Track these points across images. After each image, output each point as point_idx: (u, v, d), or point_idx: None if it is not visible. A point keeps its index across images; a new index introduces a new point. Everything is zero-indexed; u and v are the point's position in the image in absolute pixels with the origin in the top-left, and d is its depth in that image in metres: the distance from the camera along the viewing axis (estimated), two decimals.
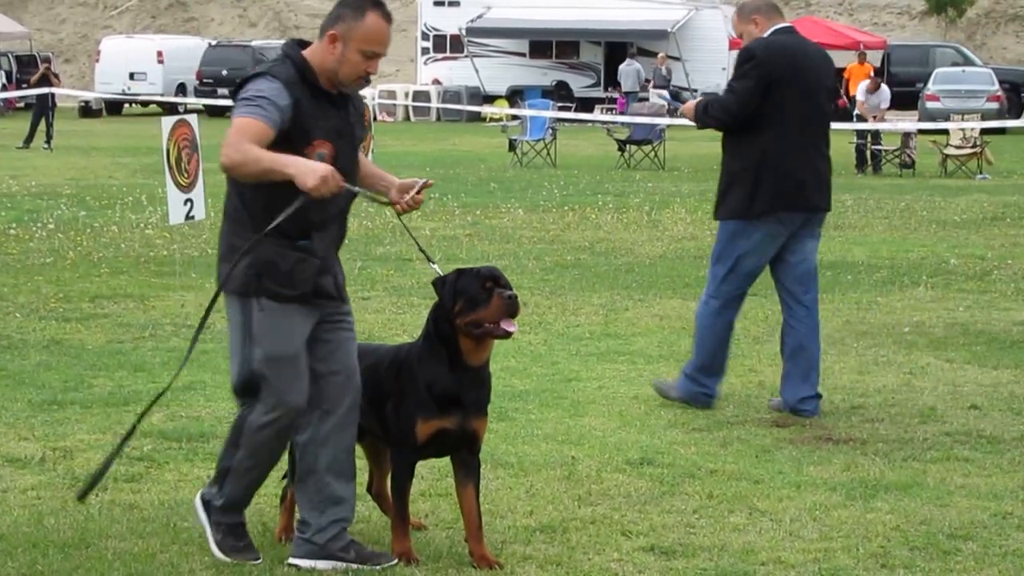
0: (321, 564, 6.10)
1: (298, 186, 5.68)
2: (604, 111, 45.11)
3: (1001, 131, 37.70)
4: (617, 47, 49.74)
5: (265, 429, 6.05)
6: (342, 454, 6.14)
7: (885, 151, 30.60)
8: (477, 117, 45.64)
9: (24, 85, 45.64)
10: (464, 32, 49.55)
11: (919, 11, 62.24)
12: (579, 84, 50.44)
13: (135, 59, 52.06)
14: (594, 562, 6.28)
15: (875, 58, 44.67)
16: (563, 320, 12.34)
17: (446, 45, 50.70)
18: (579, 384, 9.83)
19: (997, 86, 43.53)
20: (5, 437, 8.29)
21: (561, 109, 39.63)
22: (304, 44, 6.09)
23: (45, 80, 36.44)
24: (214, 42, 55.16)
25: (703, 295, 9.31)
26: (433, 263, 6.36)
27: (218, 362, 10.23)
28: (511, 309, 6.03)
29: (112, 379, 9.85)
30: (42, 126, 35.43)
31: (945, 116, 35.69)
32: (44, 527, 6.65)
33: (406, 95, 49.00)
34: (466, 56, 49.99)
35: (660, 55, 47.25)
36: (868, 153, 30.38)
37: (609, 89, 48.67)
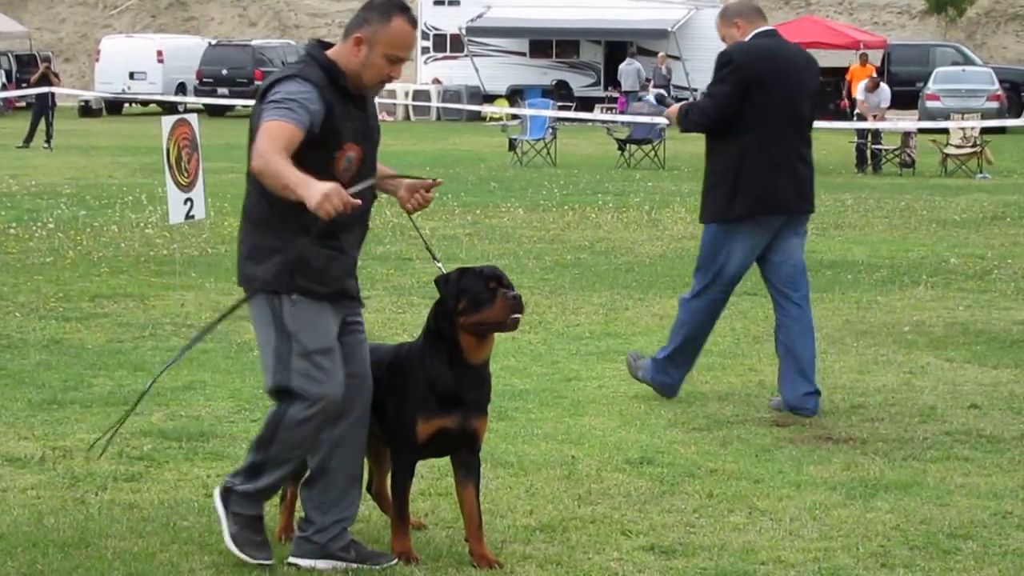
0: (321, 564, 6.10)
1: (309, 208, 5.61)
2: (604, 110, 45.10)
3: (1001, 130, 37.70)
4: (617, 46, 49.73)
5: (306, 424, 5.97)
6: (354, 455, 6.13)
7: (885, 150, 30.60)
8: (477, 116, 45.64)
9: (24, 84, 45.64)
10: (464, 31, 49.54)
11: (919, 10, 62.21)
12: (579, 83, 50.43)
13: (135, 58, 52.05)
14: (594, 561, 6.28)
15: (875, 57, 44.68)
16: (563, 319, 12.34)
17: (446, 44, 50.69)
18: (579, 383, 9.83)
19: (997, 85, 43.53)
20: (5, 436, 8.29)
21: (561, 108, 39.62)
22: (326, 45, 6.04)
23: (45, 79, 36.43)
24: (214, 41, 55.15)
25: (688, 293, 9.41)
26: (438, 262, 6.37)
27: (218, 362, 10.24)
28: (516, 309, 6.04)
29: (112, 378, 9.85)
30: (42, 125, 35.43)
31: (945, 115, 35.70)
32: (44, 526, 6.65)
33: (406, 94, 48.98)
34: (466, 55, 49.98)
35: (660, 54, 47.25)
36: (868, 152, 30.38)
37: (609, 88, 48.67)
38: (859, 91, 31.55)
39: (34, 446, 8.06)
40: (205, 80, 50.60)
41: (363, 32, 5.92)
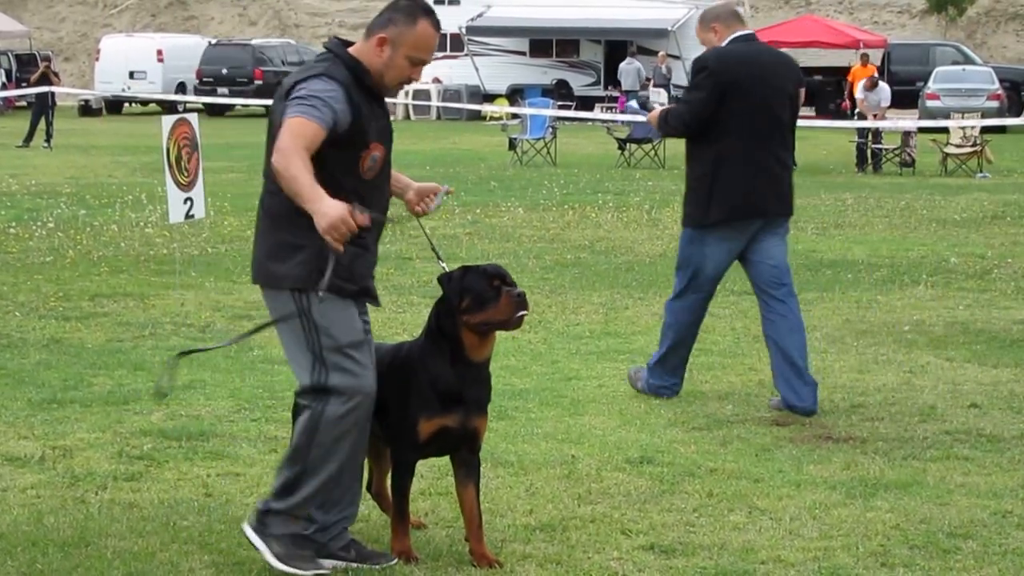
0: (321, 563, 6.09)
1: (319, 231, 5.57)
2: (604, 110, 45.10)
3: (1001, 129, 37.70)
4: (617, 46, 49.75)
5: (345, 419, 5.91)
6: (357, 455, 6.13)
7: (885, 150, 30.60)
8: (477, 116, 45.63)
9: (24, 84, 45.61)
10: (464, 31, 49.54)
11: (919, 10, 62.23)
12: (579, 83, 50.45)
13: (135, 58, 52.05)
14: (594, 561, 6.27)
15: (875, 57, 44.68)
16: (563, 319, 12.34)
17: (446, 44, 50.66)
18: (579, 383, 9.83)
19: (997, 85, 43.54)
20: (5, 436, 8.28)
21: (561, 108, 39.62)
22: (347, 43, 6.00)
23: (45, 79, 36.43)
24: (214, 41, 55.14)
25: (670, 296, 9.44)
26: (442, 262, 6.37)
27: (218, 361, 10.23)
28: (520, 307, 6.03)
29: (112, 378, 9.84)
30: (42, 125, 35.43)
31: (945, 115, 35.72)
32: (44, 526, 6.64)
33: (406, 93, 48.92)
34: (466, 55, 49.99)
35: (660, 54, 47.26)
36: (868, 152, 30.38)
37: (609, 88, 48.68)
38: (859, 90, 31.59)
39: (34, 445, 8.06)
40: (205, 79, 50.61)
41: (388, 32, 5.89)
